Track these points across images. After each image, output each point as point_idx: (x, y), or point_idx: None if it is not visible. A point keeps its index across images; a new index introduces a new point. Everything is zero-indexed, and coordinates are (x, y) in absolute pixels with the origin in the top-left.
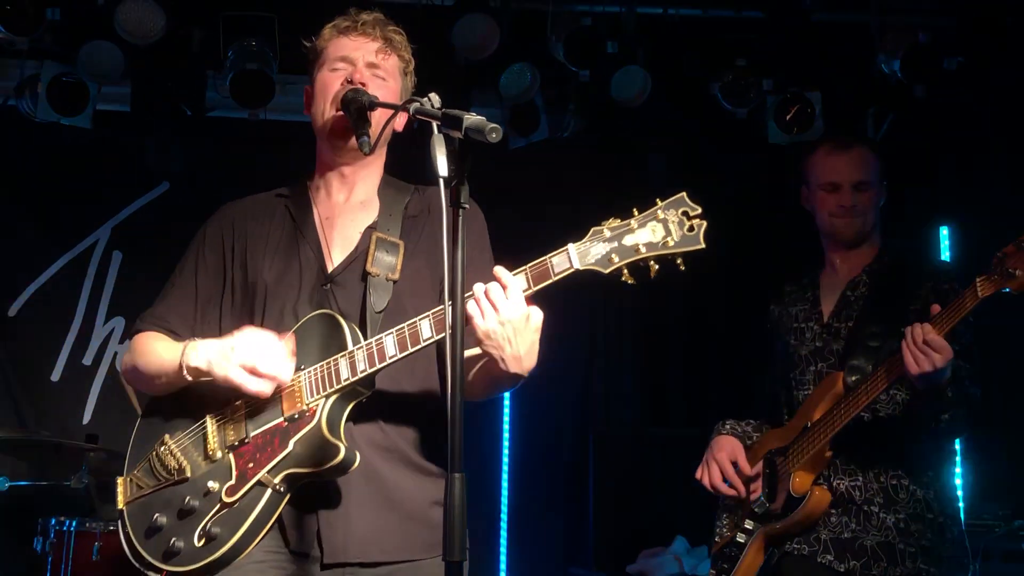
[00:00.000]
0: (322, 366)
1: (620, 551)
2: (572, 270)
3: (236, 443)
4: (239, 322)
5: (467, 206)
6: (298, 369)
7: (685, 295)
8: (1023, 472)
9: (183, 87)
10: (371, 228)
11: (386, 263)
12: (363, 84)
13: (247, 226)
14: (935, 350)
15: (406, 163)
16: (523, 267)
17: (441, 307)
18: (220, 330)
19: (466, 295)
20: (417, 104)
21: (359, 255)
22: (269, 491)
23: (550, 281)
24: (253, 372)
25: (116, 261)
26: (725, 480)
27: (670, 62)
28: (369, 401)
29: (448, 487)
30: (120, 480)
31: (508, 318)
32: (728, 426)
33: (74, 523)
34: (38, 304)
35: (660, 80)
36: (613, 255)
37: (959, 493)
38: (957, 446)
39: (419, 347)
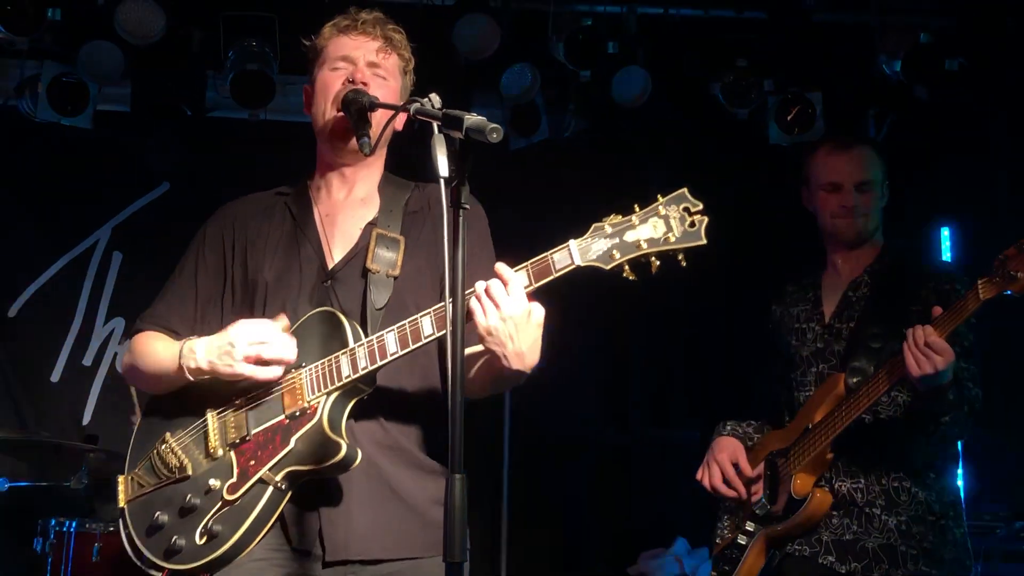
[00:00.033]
0: (323, 363)
1: (620, 552)
2: (574, 266)
3: (237, 441)
4: (239, 319)
5: (468, 206)
6: (299, 367)
7: (686, 296)
8: None
9: (183, 87)
10: (371, 224)
11: (386, 259)
12: (364, 84)
13: (247, 224)
14: (936, 352)
15: (407, 163)
16: (524, 263)
17: (442, 304)
18: (221, 329)
19: (467, 292)
20: (418, 104)
21: (359, 251)
22: (271, 489)
23: (552, 277)
24: (259, 362)
25: (116, 261)
26: (726, 481)
27: (671, 62)
28: (370, 398)
29: (448, 488)
30: (121, 479)
31: (510, 314)
32: (729, 427)
33: (74, 524)
34: (38, 304)
35: (661, 80)
36: (614, 251)
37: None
38: (959, 448)
39: (420, 344)
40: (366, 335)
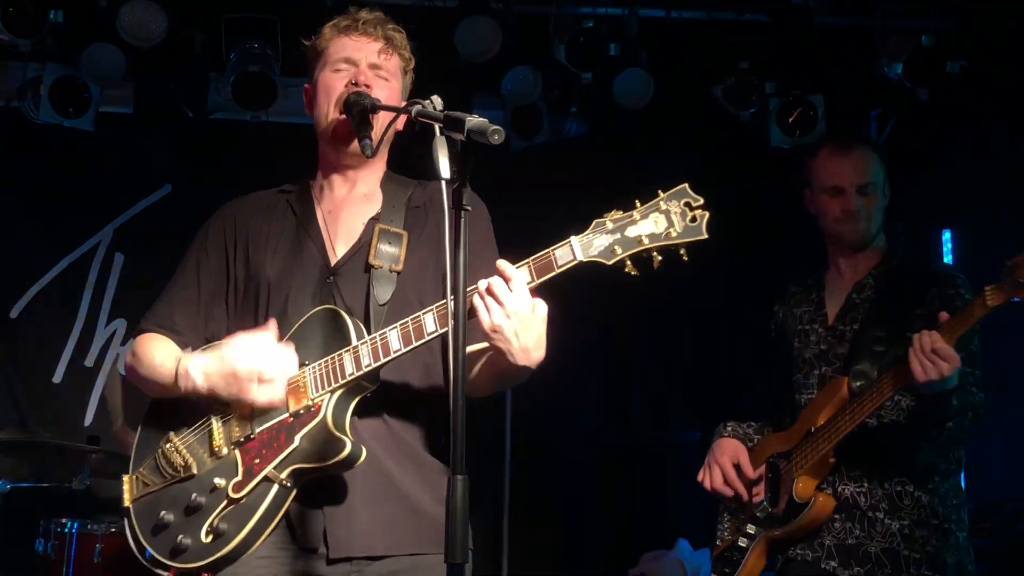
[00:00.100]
0: (326, 361)
1: (622, 552)
2: (575, 262)
3: (242, 439)
4: (244, 319)
5: (469, 208)
6: (302, 365)
7: (688, 297)
8: None
9: (185, 89)
10: (374, 220)
11: (389, 254)
12: (367, 86)
13: (249, 222)
14: (943, 358)
15: (408, 163)
16: (526, 260)
17: (444, 301)
18: (227, 329)
19: (469, 289)
20: (419, 106)
21: (362, 247)
22: (276, 487)
23: (554, 273)
24: (260, 381)
25: (118, 263)
26: (727, 483)
27: (672, 65)
28: (374, 396)
29: (449, 489)
30: (126, 478)
31: (514, 310)
32: (730, 428)
33: (76, 525)
34: (40, 306)
35: (662, 83)
36: (616, 247)
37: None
38: (962, 452)
39: (423, 341)
40: (369, 331)
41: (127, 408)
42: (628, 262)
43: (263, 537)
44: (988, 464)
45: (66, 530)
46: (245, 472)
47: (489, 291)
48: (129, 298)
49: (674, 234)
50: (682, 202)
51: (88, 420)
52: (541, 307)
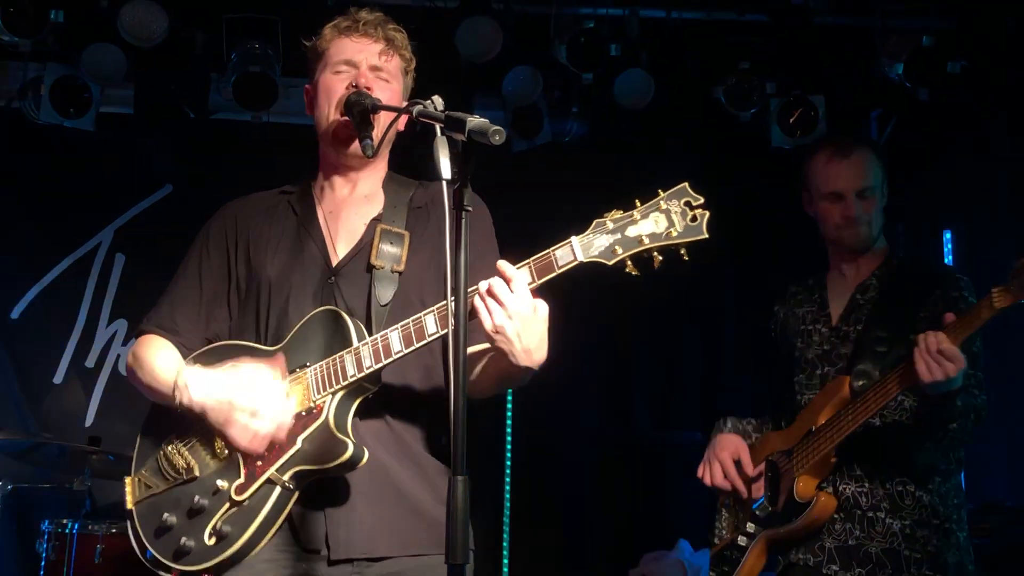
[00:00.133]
0: (328, 363)
1: (623, 554)
2: (576, 262)
3: None
4: (245, 319)
5: (470, 208)
6: (304, 366)
7: (689, 297)
8: None
9: (186, 89)
10: (376, 220)
11: (391, 255)
12: (368, 88)
13: (250, 223)
14: (948, 359)
15: (409, 164)
16: (526, 260)
17: (445, 302)
18: (229, 329)
19: (470, 290)
20: (420, 107)
21: (364, 247)
22: (278, 489)
23: (554, 274)
24: (254, 415)
25: (119, 263)
26: (727, 478)
27: (673, 65)
28: (375, 397)
29: (450, 490)
30: (128, 480)
31: (515, 311)
32: (730, 424)
33: (76, 525)
34: (41, 306)
35: (663, 83)
36: (617, 247)
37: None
38: (962, 452)
39: (424, 343)
40: (371, 332)
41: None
42: (629, 262)
43: (266, 539)
44: (989, 464)
45: (67, 531)
46: (247, 474)
47: (490, 292)
48: (130, 298)
49: (675, 234)
50: (682, 201)
51: (89, 421)
52: (542, 308)
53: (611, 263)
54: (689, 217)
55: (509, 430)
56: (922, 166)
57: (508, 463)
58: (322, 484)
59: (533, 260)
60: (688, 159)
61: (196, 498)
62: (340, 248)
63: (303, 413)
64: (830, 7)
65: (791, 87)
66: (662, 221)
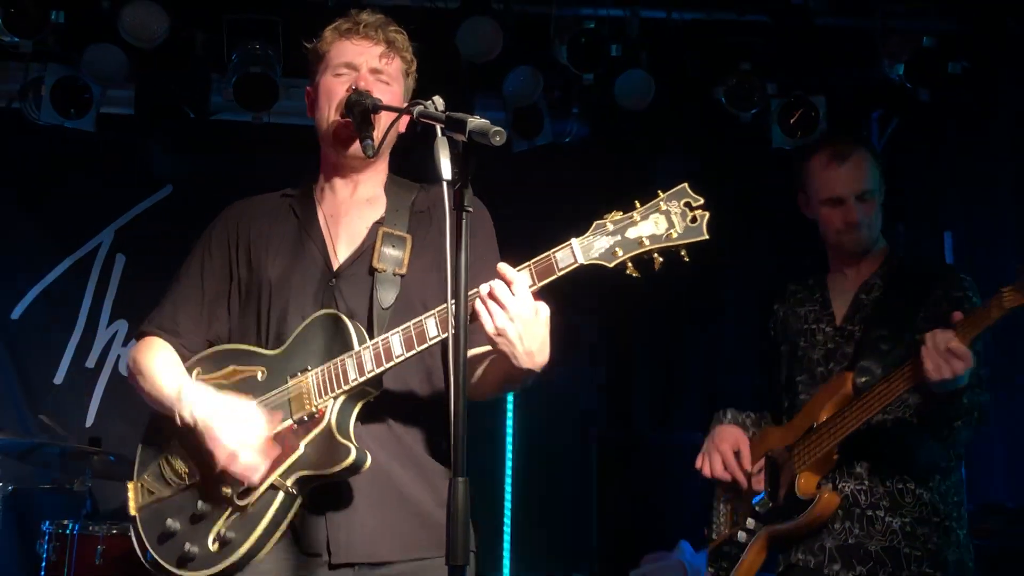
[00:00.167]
0: (329, 367)
1: (623, 555)
2: (576, 265)
3: None
4: (246, 321)
5: (471, 209)
6: (304, 371)
7: (691, 298)
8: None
9: (187, 90)
10: (378, 223)
11: (392, 258)
12: (368, 91)
13: (251, 225)
14: (958, 358)
15: (410, 166)
16: (527, 263)
17: (446, 305)
18: (230, 331)
19: (471, 293)
20: (421, 107)
21: (365, 250)
22: (281, 494)
23: (555, 276)
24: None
25: (119, 264)
26: (727, 470)
27: (674, 66)
28: (377, 400)
29: (451, 491)
30: (130, 485)
31: (517, 314)
32: (730, 415)
33: (77, 526)
34: (41, 307)
35: (664, 84)
36: (617, 248)
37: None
38: (962, 450)
39: (425, 346)
40: (372, 335)
41: None
42: (629, 264)
43: (270, 544)
44: (989, 465)
45: (67, 531)
46: (260, 477)
47: (491, 295)
48: (130, 299)
49: (675, 235)
50: (682, 202)
51: (90, 421)
52: (544, 310)
53: (611, 265)
54: (689, 218)
55: (509, 431)
56: (922, 166)
57: (508, 464)
58: (323, 488)
59: (534, 263)
60: (689, 160)
61: (199, 504)
62: (341, 251)
63: (305, 418)
64: (831, 8)
65: (792, 88)
66: (662, 222)
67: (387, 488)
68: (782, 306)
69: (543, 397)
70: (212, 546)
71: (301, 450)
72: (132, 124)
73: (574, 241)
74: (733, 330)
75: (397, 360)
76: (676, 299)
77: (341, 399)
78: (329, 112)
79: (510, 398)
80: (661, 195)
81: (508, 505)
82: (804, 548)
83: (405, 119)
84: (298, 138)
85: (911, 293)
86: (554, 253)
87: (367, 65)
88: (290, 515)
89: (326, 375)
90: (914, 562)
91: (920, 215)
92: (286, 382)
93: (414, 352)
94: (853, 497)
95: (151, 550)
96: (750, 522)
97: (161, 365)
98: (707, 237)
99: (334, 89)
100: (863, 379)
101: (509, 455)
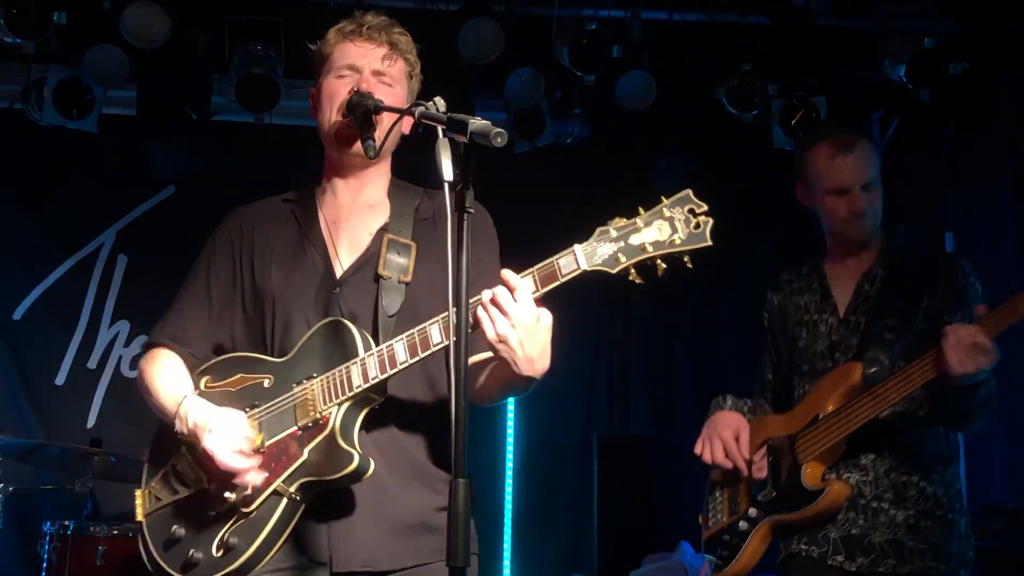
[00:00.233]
0: (334, 374)
1: (624, 557)
2: (579, 271)
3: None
4: (250, 329)
5: (472, 210)
6: (310, 378)
7: (692, 300)
8: None
9: (188, 91)
10: (382, 230)
11: (398, 265)
12: (370, 93)
13: (255, 232)
14: (983, 353)
15: (410, 168)
16: (530, 269)
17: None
18: (233, 339)
19: (473, 300)
20: (422, 108)
21: (370, 257)
22: (285, 500)
23: (558, 283)
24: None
25: (121, 265)
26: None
27: (675, 67)
28: (381, 407)
29: (451, 492)
30: (138, 492)
31: (519, 320)
32: (730, 402)
33: (78, 527)
34: (43, 307)
35: (665, 85)
36: (620, 255)
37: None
38: (960, 439)
39: (429, 352)
40: (378, 342)
41: None
42: (632, 270)
43: (273, 551)
44: (989, 466)
45: (68, 532)
46: (254, 486)
47: (493, 301)
48: (132, 300)
49: (678, 241)
50: (686, 208)
51: (91, 422)
52: (546, 317)
53: (614, 271)
54: (693, 224)
55: (510, 432)
56: (923, 167)
57: (509, 465)
58: (325, 495)
59: (537, 269)
60: (690, 160)
61: (204, 510)
62: (343, 257)
63: (309, 424)
64: (832, 9)
65: (793, 89)
66: (665, 228)
67: (390, 495)
68: (776, 295)
69: (544, 398)
70: (216, 552)
71: (304, 456)
72: (134, 125)
73: (577, 247)
74: (733, 331)
75: (401, 367)
76: (677, 299)
77: (345, 406)
78: (331, 113)
79: (511, 400)
80: (665, 201)
81: (509, 506)
82: (807, 538)
83: (408, 121)
84: (300, 139)
85: (914, 282)
86: (557, 259)
87: (370, 67)
88: (293, 522)
89: (331, 382)
90: (917, 555)
91: (921, 215)
92: (292, 389)
93: (418, 359)
94: (858, 488)
95: (156, 556)
96: (752, 511)
97: (165, 377)
98: (710, 244)
99: (337, 91)
100: (872, 369)
101: (510, 456)
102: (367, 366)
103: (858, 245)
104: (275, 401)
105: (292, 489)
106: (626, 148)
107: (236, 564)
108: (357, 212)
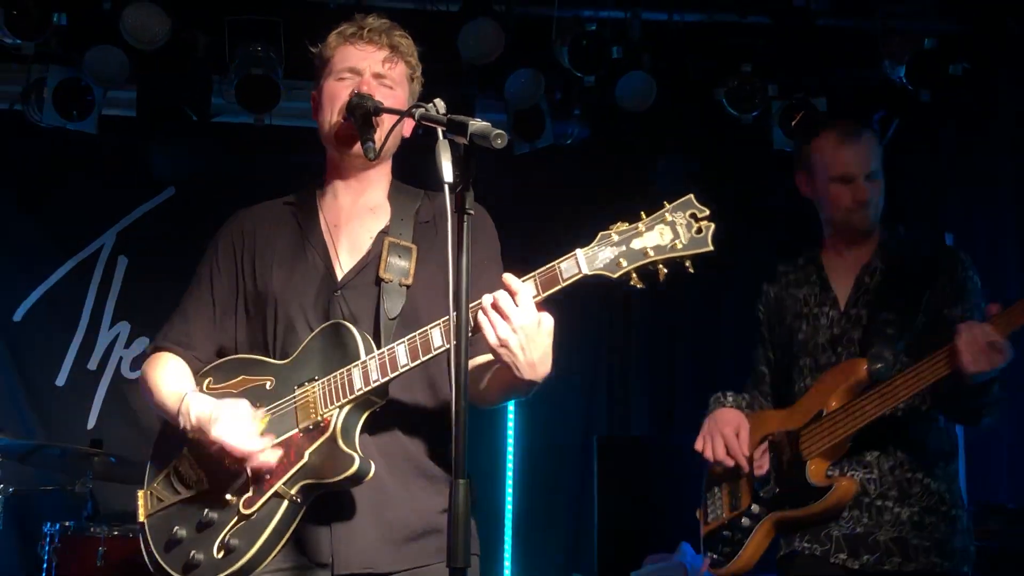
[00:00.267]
0: (335, 376)
1: (625, 557)
2: (581, 275)
3: None
4: (252, 332)
5: (472, 212)
6: (312, 380)
7: (692, 302)
8: None
9: (188, 92)
10: (383, 233)
11: (399, 268)
12: (370, 95)
13: (256, 235)
14: (997, 351)
15: (410, 169)
16: (531, 273)
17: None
18: (236, 341)
19: (473, 304)
20: (422, 110)
21: (371, 260)
22: (286, 502)
23: (559, 287)
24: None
25: (121, 266)
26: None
27: (675, 68)
28: (383, 410)
29: (452, 493)
30: (140, 493)
31: (520, 325)
32: (731, 399)
33: (78, 528)
34: (43, 309)
35: (665, 86)
36: (621, 259)
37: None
38: (961, 439)
39: (430, 356)
40: (379, 345)
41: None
42: (634, 275)
43: (274, 553)
44: (990, 467)
45: (69, 533)
46: (255, 488)
47: (494, 306)
48: (133, 301)
49: (680, 246)
50: (687, 213)
51: (91, 423)
52: (547, 321)
53: (616, 276)
54: (694, 229)
55: (511, 433)
56: (923, 167)
57: (509, 466)
58: (327, 497)
59: (538, 273)
60: (690, 161)
61: (206, 512)
62: (344, 260)
63: (310, 427)
64: (832, 9)
65: (793, 89)
66: (667, 233)
67: (392, 497)
68: (772, 287)
69: (544, 399)
70: (217, 554)
71: (306, 458)
72: (134, 126)
73: (579, 252)
74: (733, 331)
75: (402, 370)
76: (677, 300)
77: (347, 408)
78: (332, 115)
79: (512, 401)
80: (667, 206)
81: (509, 507)
82: (810, 536)
83: (409, 123)
84: (300, 140)
85: (914, 276)
86: (559, 263)
87: (370, 70)
88: (294, 524)
89: (332, 385)
90: (923, 552)
91: (921, 215)
92: (293, 391)
93: (419, 362)
94: (862, 486)
95: (158, 557)
96: (755, 507)
97: (168, 377)
98: (712, 249)
99: (337, 93)
100: (878, 366)
101: (510, 457)
102: (368, 369)
103: (859, 236)
104: (277, 403)
105: (293, 491)
106: (626, 149)
107: (237, 565)
108: (358, 215)
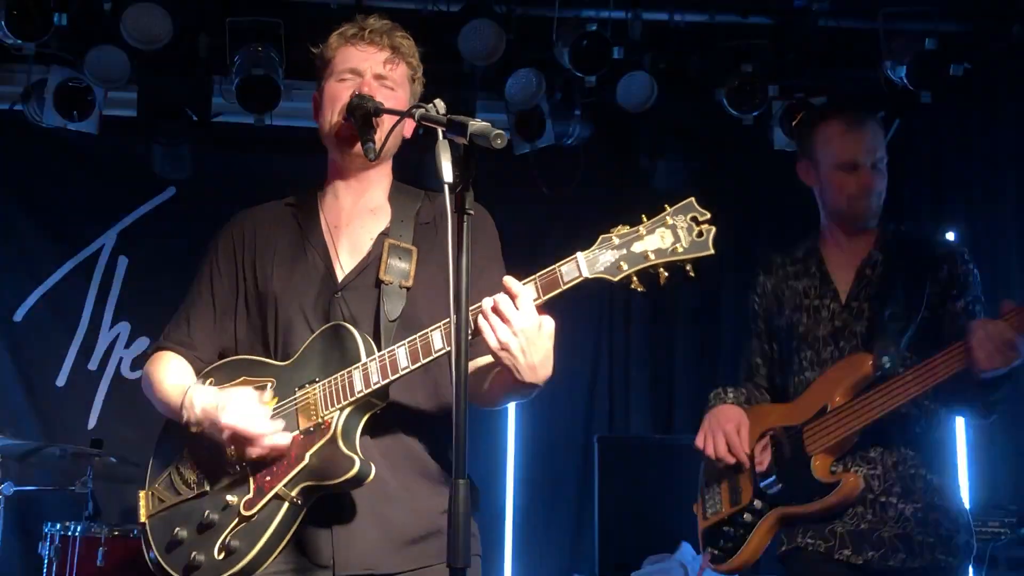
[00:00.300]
0: (336, 378)
1: (625, 558)
2: (581, 278)
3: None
4: (253, 333)
5: (472, 212)
6: (312, 382)
7: (691, 299)
8: None
9: (189, 92)
10: (383, 235)
11: (399, 270)
12: (371, 96)
13: (256, 236)
14: (1011, 349)
15: (409, 169)
16: (532, 276)
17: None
18: (236, 342)
19: (474, 307)
20: (422, 110)
21: (371, 262)
22: (286, 504)
23: (560, 290)
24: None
25: (122, 266)
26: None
27: (676, 68)
28: (383, 412)
29: (452, 493)
30: (142, 494)
31: (520, 328)
32: (732, 395)
33: (79, 528)
34: (44, 309)
35: (665, 86)
36: (622, 263)
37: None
38: (960, 436)
39: (431, 358)
40: (379, 347)
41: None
42: (634, 278)
43: (275, 554)
44: (992, 467)
45: (69, 533)
46: (256, 490)
47: (495, 309)
48: (133, 301)
49: (680, 249)
50: (688, 216)
51: (92, 423)
52: (548, 324)
53: (616, 279)
54: (695, 232)
55: (511, 433)
56: (924, 168)
57: (510, 466)
58: (329, 498)
59: (539, 276)
60: (690, 162)
61: (206, 513)
62: (345, 262)
63: (311, 429)
64: (833, 9)
65: (794, 90)
66: (668, 237)
67: (393, 499)
68: (768, 278)
69: (544, 399)
70: (218, 555)
71: (306, 460)
72: (135, 126)
73: (579, 255)
74: (733, 332)
75: (403, 372)
76: (677, 300)
77: (347, 410)
78: (332, 115)
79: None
80: (668, 209)
81: (510, 509)
82: (813, 532)
83: (410, 125)
84: (300, 140)
85: (916, 270)
86: (559, 267)
87: (371, 71)
88: (295, 525)
89: (333, 387)
90: (927, 548)
91: (921, 216)
92: (294, 393)
93: (420, 364)
94: (866, 483)
95: (159, 557)
96: (757, 502)
97: (170, 373)
98: (713, 252)
99: (338, 94)
100: (885, 361)
101: (510, 457)
102: (369, 371)
103: (860, 226)
104: (278, 405)
105: (294, 493)
106: (626, 149)
107: (237, 567)
108: (358, 216)
